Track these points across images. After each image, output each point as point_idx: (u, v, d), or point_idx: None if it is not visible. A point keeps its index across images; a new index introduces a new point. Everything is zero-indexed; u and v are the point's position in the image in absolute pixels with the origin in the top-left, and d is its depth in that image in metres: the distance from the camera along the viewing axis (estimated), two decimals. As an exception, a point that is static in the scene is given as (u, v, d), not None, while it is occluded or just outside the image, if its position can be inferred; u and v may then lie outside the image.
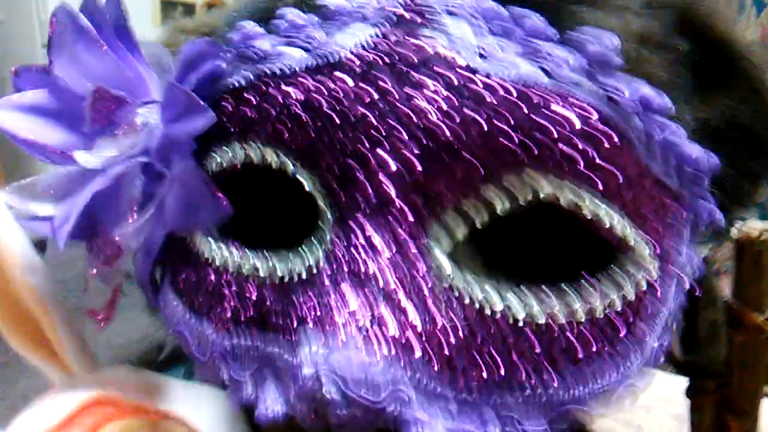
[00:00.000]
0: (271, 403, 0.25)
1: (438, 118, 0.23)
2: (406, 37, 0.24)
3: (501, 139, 0.23)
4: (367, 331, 0.23)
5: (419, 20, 0.25)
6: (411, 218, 0.24)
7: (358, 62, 0.25)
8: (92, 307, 0.32)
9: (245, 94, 0.27)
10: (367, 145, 0.24)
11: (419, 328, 0.23)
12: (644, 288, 0.26)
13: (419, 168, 0.24)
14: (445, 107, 0.23)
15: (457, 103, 0.23)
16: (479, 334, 0.24)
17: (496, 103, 0.23)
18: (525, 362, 0.24)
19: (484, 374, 0.24)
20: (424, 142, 0.24)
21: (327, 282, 0.25)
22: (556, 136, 0.23)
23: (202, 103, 0.27)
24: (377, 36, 0.25)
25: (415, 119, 0.24)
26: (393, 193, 0.24)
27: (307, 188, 0.26)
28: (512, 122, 0.23)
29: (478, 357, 0.24)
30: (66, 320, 0.33)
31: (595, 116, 0.23)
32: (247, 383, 0.26)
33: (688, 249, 0.28)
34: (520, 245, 0.26)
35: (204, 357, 0.29)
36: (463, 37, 0.24)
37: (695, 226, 0.29)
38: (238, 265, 0.28)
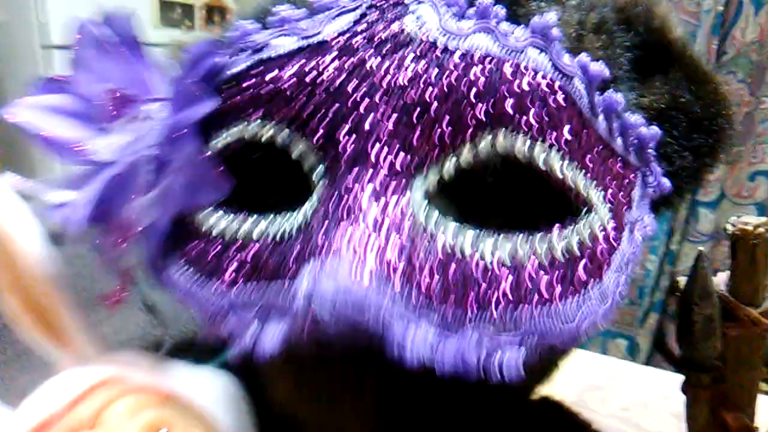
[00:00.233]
0: (270, 338, 0.27)
1: (406, 81, 0.27)
2: (380, 19, 0.29)
3: (461, 96, 0.27)
4: (350, 263, 0.25)
5: (390, 8, 0.29)
6: (388, 169, 0.27)
7: (338, 41, 0.29)
8: (101, 294, 0.34)
9: (244, 79, 0.30)
10: (349, 105, 0.28)
11: (396, 263, 0.25)
12: (599, 235, 0.28)
13: (394, 125, 0.27)
14: (411, 72, 0.27)
15: (423, 70, 0.27)
16: (450, 269, 0.26)
17: (454, 68, 0.27)
18: (496, 299, 0.26)
19: (460, 309, 0.26)
20: (398, 101, 0.27)
21: (317, 228, 0.27)
22: (506, 95, 0.27)
23: (206, 89, 0.30)
24: (355, 21, 0.29)
25: (389, 83, 0.27)
26: (371, 147, 0.27)
27: (295, 154, 0.29)
28: (470, 84, 0.27)
29: (453, 293, 0.26)
30: (77, 308, 0.34)
31: (539, 77, 0.27)
32: (249, 329, 0.28)
33: (639, 208, 0.31)
34: (490, 201, 0.29)
35: (209, 315, 0.30)
36: (426, 16, 0.28)
37: (644, 189, 0.32)
38: (237, 229, 0.30)
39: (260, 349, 0.27)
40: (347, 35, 0.29)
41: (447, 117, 0.27)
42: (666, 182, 0.33)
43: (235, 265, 0.29)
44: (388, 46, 0.28)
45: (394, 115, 0.27)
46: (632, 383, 0.66)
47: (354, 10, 0.29)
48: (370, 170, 0.27)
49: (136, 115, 0.31)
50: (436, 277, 0.26)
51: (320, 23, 0.30)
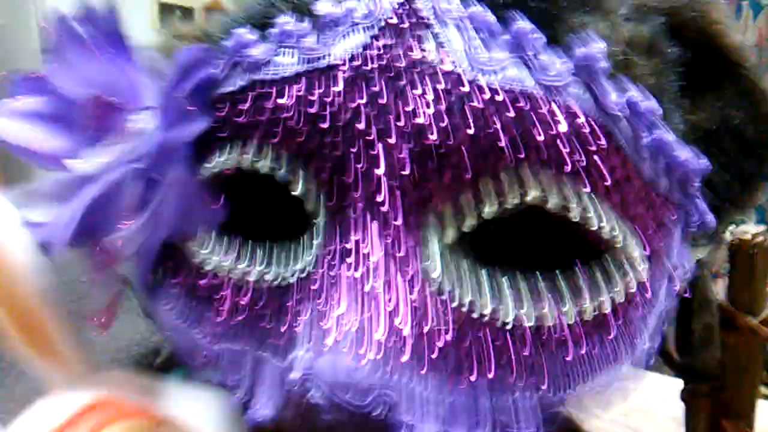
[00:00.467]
0: (261, 407, 0.25)
1: (426, 121, 0.24)
2: (395, 42, 0.25)
3: (488, 141, 0.23)
4: (354, 334, 0.23)
5: (407, 25, 0.25)
6: (401, 220, 0.25)
7: (347, 67, 0.25)
8: (92, 312, 0.33)
9: (238, 100, 0.27)
10: (356, 147, 0.25)
11: (407, 331, 0.23)
12: (634, 289, 0.26)
13: (408, 170, 0.24)
14: (433, 110, 0.24)
15: (444, 106, 0.24)
16: (468, 337, 0.24)
17: (482, 105, 0.23)
18: (514, 364, 0.24)
19: (473, 377, 0.24)
20: (413, 144, 0.24)
21: (317, 284, 0.25)
22: (542, 138, 0.23)
23: (196, 109, 0.27)
24: (367, 41, 0.25)
25: (403, 122, 0.24)
26: (382, 194, 0.24)
27: (297, 192, 0.26)
28: (499, 124, 0.23)
29: (466, 359, 0.24)
30: (68, 323, 0.33)
31: (581, 119, 0.24)
32: (239, 386, 0.27)
33: (679, 250, 0.29)
34: (511, 247, 0.26)
35: (197, 361, 0.29)
36: (450, 41, 0.24)
37: (686, 227, 0.29)
38: (230, 268, 0.28)
39: (252, 413, 0.26)
40: (358, 60, 0.25)
41: (470, 164, 0.24)
42: (711, 218, 0.29)
43: (228, 306, 0.28)
44: (406, 77, 0.24)
45: (410, 162, 0.24)
46: (632, 388, 0.66)
47: (367, 29, 0.25)
48: (380, 223, 0.25)
49: (123, 126, 0.28)
50: (451, 349, 0.24)
51: (328, 42, 0.26)
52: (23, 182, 0.31)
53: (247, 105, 0.27)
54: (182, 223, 0.29)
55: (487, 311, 0.24)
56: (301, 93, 0.25)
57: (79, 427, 0.30)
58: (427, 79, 0.24)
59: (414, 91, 0.24)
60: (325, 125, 0.25)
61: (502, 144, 0.23)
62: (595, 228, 0.25)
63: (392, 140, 0.24)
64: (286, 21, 0.27)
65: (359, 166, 0.25)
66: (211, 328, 0.28)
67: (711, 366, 0.36)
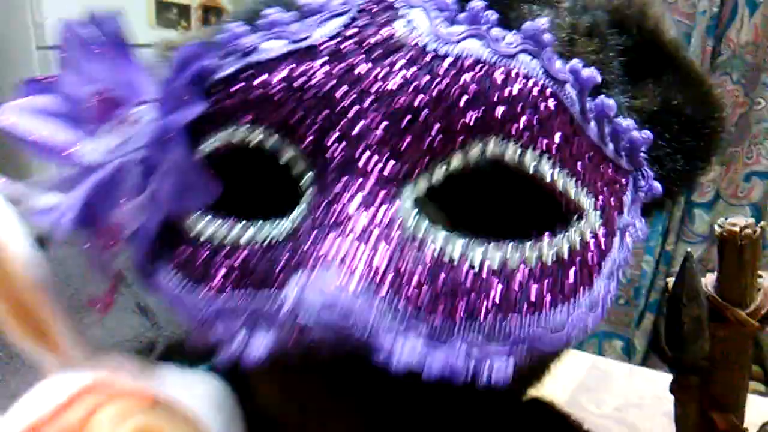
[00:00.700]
0: (258, 344, 0.27)
1: (396, 86, 0.27)
2: (370, 24, 0.28)
3: (450, 103, 0.27)
4: (337, 273, 0.24)
5: (380, 9, 0.29)
6: (377, 177, 0.27)
7: (328, 45, 0.28)
8: (90, 299, 0.34)
9: (232, 83, 0.30)
10: (338, 111, 0.27)
11: (384, 272, 0.25)
12: (588, 240, 0.29)
13: (383, 130, 0.27)
14: (403, 78, 0.27)
15: (413, 76, 0.27)
16: (440, 278, 0.26)
17: (444, 74, 0.27)
18: (484, 305, 0.26)
19: (447, 314, 0.26)
20: (388, 108, 0.27)
21: (304, 236, 0.27)
22: (497, 98, 0.27)
23: (195, 92, 0.29)
24: (344, 23, 0.29)
25: (378, 89, 0.27)
26: (360, 154, 0.27)
27: (283, 159, 0.29)
28: (461, 89, 0.27)
29: (441, 298, 0.26)
30: (65, 312, 0.33)
31: (530, 82, 0.27)
32: (237, 336, 0.28)
33: (630, 212, 0.32)
34: (481, 209, 0.29)
35: (196, 322, 0.30)
36: (417, 21, 0.28)
37: (635, 193, 0.32)
38: (225, 234, 0.30)
39: (247, 356, 0.26)
40: (337, 39, 0.28)
41: (437, 124, 0.27)
42: (657, 186, 0.33)
43: (223, 271, 0.29)
44: (378, 51, 0.28)
45: (384, 122, 0.27)
46: (626, 383, 0.67)
47: (344, 14, 0.29)
48: (359, 178, 0.27)
49: (124, 118, 0.31)
50: (425, 286, 0.26)
51: (310, 27, 0.29)
52: (19, 178, 0.32)
53: (238, 86, 0.30)
54: (180, 203, 0.30)
55: (457, 255, 0.26)
56: (285, 71, 0.28)
57: (76, 408, 0.30)
58: (397, 51, 0.27)
59: (385, 62, 0.27)
60: (309, 97, 0.28)
61: (461, 104, 0.27)
62: (548, 182, 0.28)
63: (367, 105, 0.27)
64: (273, 12, 0.30)
65: (340, 128, 0.27)
66: (209, 292, 0.29)
67: (700, 358, 0.36)
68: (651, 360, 1.49)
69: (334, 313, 0.24)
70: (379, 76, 0.27)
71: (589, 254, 0.28)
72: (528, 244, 0.27)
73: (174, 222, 0.31)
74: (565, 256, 0.27)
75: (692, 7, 1.40)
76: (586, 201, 0.29)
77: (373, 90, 0.27)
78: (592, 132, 0.29)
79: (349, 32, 0.28)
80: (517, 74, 0.27)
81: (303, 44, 0.29)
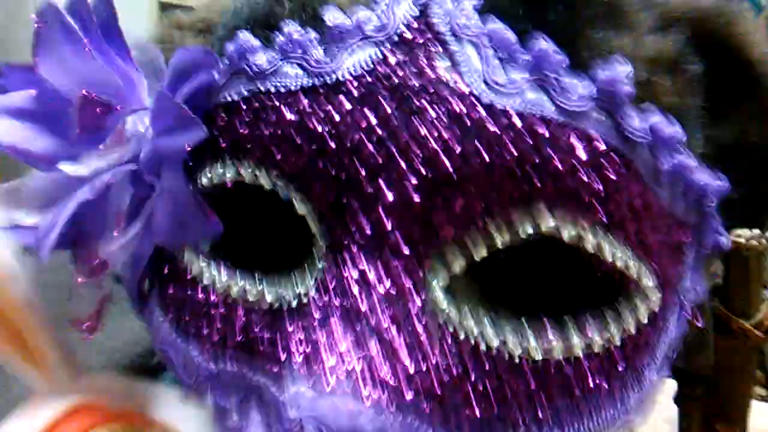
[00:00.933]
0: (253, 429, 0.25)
1: (438, 147, 0.22)
2: (407, 60, 0.23)
3: (503, 170, 0.22)
4: (356, 374, 0.22)
5: (422, 42, 0.23)
6: (407, 251, 0.23)
7: (356, 84, 0.23)
8: (78, 315, 0.32)
9: (239, 110, 0.26)
10: (363, 172, 0.23)
11: (411, 369, 0.22)
12: (645, 321, 0.25)
13: (417, 199, 0.23)
14: (446, 136, 0.22)
15: (458, 132, 0.22)
16: (473, 372, 0.23)
17: (498, 132, 0.22)
18: (520, 399, 0.23)
19: (477, 412, 0.23)
20: (423, 171, 0.22)
21: (316, 314, 0.24)
22: (560, 168, 0.22)
23: (193, 116, 0.25)
24: (378, 57, 0.24)
25: (414, 148, 0.22)
26: (389, 224, 0.23)
27: (299, 211, 0.25)
28: (515, 153, 0.22)
29: (471, 395, 0.23)
30: (50, 329, 0.32)
31: (602, 147, 0.22)
32: (232, 411, 0.26)
33: (692, 275, 0.28)
34: (520, 278, 0.25)
35: (189, 380, 0.28)
36: (467, 61, 0.23)
37: (699, 250, 0.28)
38: (226, 286, 0.27)
39: None
40: (364, 76, 0.23)
41: (483, 195, 0.22)
42: (724, 241, 0.28)
43: (220, 327, 0.27)
44: (418, 98, 0.23)
45: (416, 190, 0.23)
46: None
47: (378, 44, 0.24)
48: (385, 251, 0.23)
49: (114, 127, 0.27)
50: (449, 378, 0.23)
51: (336, 56, 0.24)
52: (16, 177, 0.30)
53: (249, 117, 0.25)
54: (174, 234, 0.27)
55: (495, 344, 0.23)
56: (303, 111, 0.24)
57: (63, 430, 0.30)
58: (440, 101, 0.22)
59: (424, 115, 0.22)
60: (329, 148, 0.24)
61: (518, 173, 0.22)
62: (609, 260, 0.23)
63: (399, 168, 0.23)
64: (292, 29, 0.25)
65: (366, 192, 0.23)
66: (204, 348, 0.27)
67: (705, 369, 0.36)
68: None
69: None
70: (418, 134, 0.22)
71: (643, 335, 0.25)
72: (570, 323, 0.24)
73: (171, 254, 0.29)
74: (617, 338, 0.24)
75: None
76: (645, 277, 0.24)
77: (406, 148, 0.22)
78: (664, 196, 0.25)
79: (382, 69, 0.23)
80: (587, 137, 0.22)
81: (328, 79, 0.24)
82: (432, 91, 0.23)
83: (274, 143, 0.25)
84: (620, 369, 0.24)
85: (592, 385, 0.23)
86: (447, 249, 0.23)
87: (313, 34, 0.25)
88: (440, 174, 0.22)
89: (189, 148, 0.26)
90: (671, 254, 0.26)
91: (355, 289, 0.23)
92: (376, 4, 0.24)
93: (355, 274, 0.23)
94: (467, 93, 0.22)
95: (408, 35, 0.24)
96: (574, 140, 0.22)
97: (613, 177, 0.23)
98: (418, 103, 0.23)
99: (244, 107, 0.25)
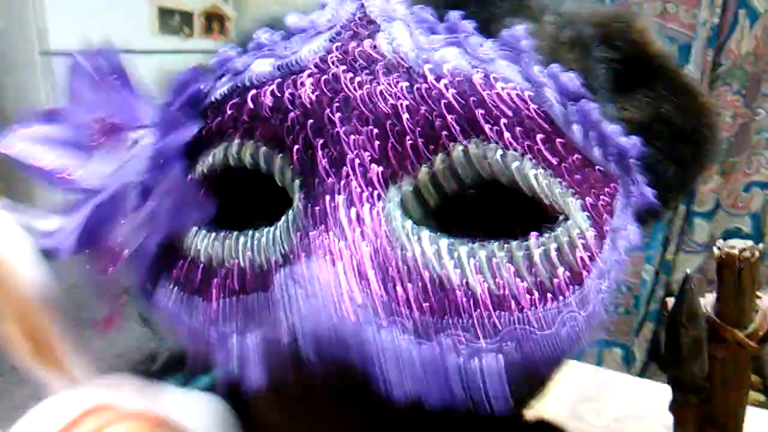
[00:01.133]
0: (252, 375, 0.27)
1: (380, 96, 0.28)
2: (355, 43, 0.29)
3: (433, 109, 0.28)
4: (332, 292, 0.25)
5: (365, 30, 0.30)
6: (363, 180, 0.28)
7: (314, 60, 0.30)
8: (94, 318, 0.33)
9: (223, 105, 0.31)
10: (327, 128, 0.28)
11: (376, 289, 0.26)
12: (576, 239, 0.29)
13: (367, 137, 0.28)
14: (385, 86, 0.28)
15: (394, 83, 0.28)
16: (431, 297, 0.26)
17: (435, 92, 0.28)
18: (472, 305, 0.26)
19: (436, 318, 0.26)
20: (371, 114, 0.28)
21: (295, 253, 0.27)
22: (477, 104, 0.28)
23: (189, 115, 0.31)
24: (331, 42, 0.30)
25: (361, 97, 0.28)
26: (346, 159, 0.28)
27: (278, 176, 0.30)
28: (440, 95, 0.28)
29: (432, 318, 0.26)
30: (68, 330, 0.33)
31: (509, 86, 0.28)
32: (233, 355, 0.28)
33: (621, 218, 0.32)
34: (468, 215, 0.29)
35: (195, 346, 0.30)
36: (399, 34, 0.29)
37: (626, 199, 0.32)
38: (220, 247, 0.30)
39: (245, 380, 0.27)
40: (321, 55, 0.30)
41: (418, 128, 0.28)
42: (649, 192, 0.33)
43: (218, 283, 0.30)
44: (361, 63, 0.29)
45: (368, 128, 0.28)
46: (626, 395, 0.67)
47: (328, 30, 0.30)
48: (345, 182, 0.28)
49: (123, 143, 0.32)
50: (411, 286, 0.26)
51: (296, 45, 0.31)
52: (24, 195, 0.32)
53: (231, 110, 0.31)
54: (177, 222, 0.31)
55: (444, 259, 0.27)
56: (276, 93, 0.29)
57: (80, 429, 0.30)
58: (384, 72, 0.28)
59: (373, 82, 0.28)
60: (299, 117, 0.29)
61: (444, 109, 0.27)
62: (533, 184, 0.28)
63: (351, 113, 0.28)
64: (261, 34, 0.32)
65: (325, 137, 0.28)
66: (206, 313, 0.30)
67: (699, 378, 0.36)
68: (651, 369, 1.49)
69: (332, 343, 0.24)
70: (362, 86, 0.28)
71: (578, 255, 0.28)
72: (514, 243, 0.27)
73: (172, 241, 0.32)
74: (553, 255, 0.28)
75: (693, 18, 1.41)
76: (571, 203, 0.29)
77: (356, 99, 0.28)
78: (576, 135, 0.30)
79: (333, 47, 0.30)
80: (495, 78, 0.28)
81: (290, 60, 0.30)
82: (373, 55, 0.29)
83: (254, 122, 0.30)
84: (558, 278, 0.28)
85: (534, 290, 0.27)
86: (402, 193, 0.28)
87: (278, 35, 0.31)
88: (383, 114, 0.28)
89: (183, 143, 0.31)
90: (595, 192, 0.31)
91: (325, 214, 0.27)
92: (324, 8, 0.32)
93: (323, 204, 0.27)
94: (398, 54, 0.29)
95: (351, 25, 0.30)
96: (485, 82, 0.28)
97: (523, 113, 0.28)
98: (366, 70, 0.29)
99: (228, 102, 0.31)
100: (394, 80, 0.28)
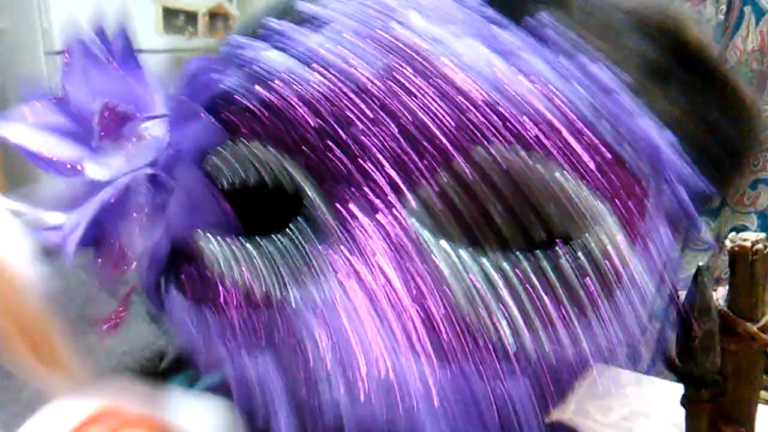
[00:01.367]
0: (260, 365, 0.27)
1: (403, 100, 0.26)
2: (372, 31, 0.27)
3: (454, 107, 0.26)
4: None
5: (383, 17, 0.27)
6: (379, 184, 0.26)
7: (327, 56, 0.27)
8: (97, 317, 0.33)
9: (234, 98, 0.29)
10: (344, 126, 0.26)
11: (399, 290, 0.25)
12: (606, 244, 0.27)
13: (383, 139, 0.26)
14: (408, 89, 0.26)
15: (418, 85, 0.26)
16: (451, 298, 0.25)
17: (444, 77, 0.26)
18: (497, 322, 0.25)
19: (460, 338, 0.25)
20: (388, 116, 0.26)
21: (306, 248, 0.26)
22: (512, 114, 0.26)
23: (205, 113, 0.29)
24: (344, 32, 0.27)
25: (387, 102, 0.26)
26: (361, 161, 0.26)
27: (291, 179, 0.28)
28: (461, 93, 0.26)
29: (451, 318, 0.25)
30: (71, 331, 0.33)
31: (534, 81, 0.26)
32: (238, 353, 0.28)
33: (653, 221, 0.30)
34: (490, 219, 0.28)
35: (207, 357, 0.30)
36: (423, 27, 0.27)
37: (658, 199, 0.30)
38: (230, 254, 0.29)
39: (262, 395, 0.26)
40: (335, 45, 0.27)
41: (440, 129, 0.26)
42: (682, 191, 0.31)
43: (225, 290, 0.29)
44: (377, 54, 0.27)
45: (385, 129, 0.26)
46: (634, 392, 0.66)
47: (341, 18, 0.28)
48: (361, 187, 0.26)
49: (132, 134, 0.30)
50: (435, 304, 0.25)
51: (308, 34, 0.28)
52: (25, 184, 0.31)
53: (239, 100, 0.29)
54: (191, 226, 0.30)
55: (469, 272, 0.26)
56: (289, 83, 0.28)
57: None
58: (404, 65, 0.26)
59: (395, 75, 0.26)
60: (306, 107, 0.27)
61: (465, 107, 0.26)
62: (573, 197, 0.26)
63: (366, 114, 0.26)
64: (274, 21, 0.29)
65: (347, 149, 0.26)
66: (215, 325, 0.29)
67: (711, 372, 0.36)
68: (657, 368, 1.48)
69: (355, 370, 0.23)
70: (378, 81, 0.26)
71: (608, 263, 0.27)
72: (540, 253, 0.26)
73: (183, 244, 0.31)
74: (582, 265, 0.26)
75: (698, 15, 1.40)
76: (600, 206, 0.27)
77: (373, 95, 0.26)
78: (606, 132, 0.28)
79: (347, 37, 0.27)
80: (520, 71, 0.26)
81: (301, 52, 0.28)
82: (397, 53, 0.26)
83: (265, 117, 0.28)
84: (589, 288, 0.26)
85: (563, 305, 0.26)
86: (425, 188, 0.26)
87: (292, 24, 0.29)
88: (402, 116, 0.26)
89: (203, 143, 0.29)
90: (625, 193, 0.28)
91: (337, 219, 0.26)
92: None
93: (335, 209, 0.26)
94: (427, 53, 0.26)
95: (366, 10, 0.28)
96: (507, 76, 0.26)
97: (549, 109, 0.26)
98: (386, 65, 0.26)
99: (239, 94, 0.29)
100: (412, 74, 0.26)
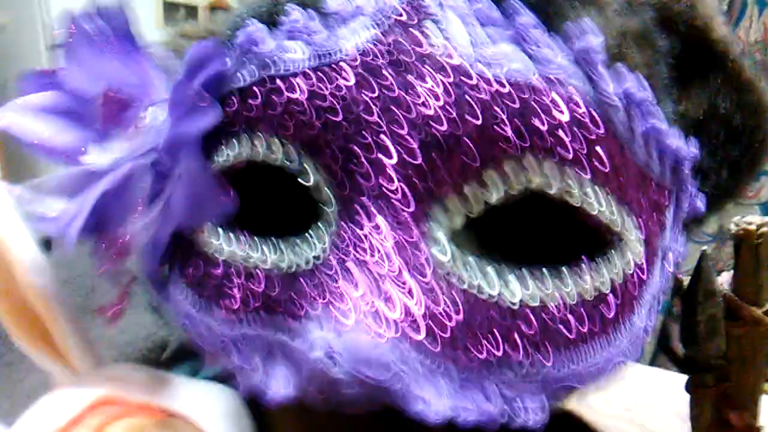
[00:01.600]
0: (281, 386, 0.26)
1: (434, 112, 0.25)
2: (404, 34, 0.26)
3: (494, 131, 0.25)
4: (374, 314, 0.23)
5: (415, 19, 0.26)
6: (413, 204, 0.25)
7: (358, 61, 0.26)
8: (101, 305, 0.33)
9: (251, 92, 0.28)
10: (369, 135, 0.25)
11: (422, 311, 0.24)
12: (631, 270, 0.27)
13: (419, 156, 0.25)
14: (441, 101, 0.25)
15: (452, 98, 0.25)
16: (478, 316, 0.25)
17: (488, 97, 0.25)
18: (521, 342, 0.25)
19: (484, 354, 0.25)
20: (424, 132, 0.25)
21: (334, 268, 0.26)
22: (545, 127, 0.25)
23: (209, 99, 0.28)
24: (376, 34, 0.26)
25: (414, 111, 0.25)
26: (395, 179, 0.25)
27: (309, 183, 0.27)
28: (505, 114, 0.25)
29: (477, 337, 0.25)
30: (71, 319, 0.33)
31: (581, 108, 0.25)
32: (256, 369, 0.27)
33: (671, 233, 0.30)
34: (516, 232, 0.27)
35: (212, 347, 0.29)
36: (457, 35, 0.26)
37: (677, 212, 0.30)
38: (244, 256, 0.29)
39: (271, 396, 0.26)
40: (365, 51, 0.26)
41: (477, 153, 0.25)
42: (700, 204, 0.31)
43: (241, 295, 0.28)
44: (415, 70, 0.25)
45: (416, 148, 0.25)
46: (637, 383, 0.66)
47: (376, 25, 0.26)
48: (391, 208, 0.25)
49: (134, 120, 0.29)
50: (457, 322, 0.25)
51: (338, 38, 0.27)
52: (26, 175, 0.31)
53: (258, 100, 0.28)
54: (193, 215, 0.29)
55: (495, 292, 0.25)
56: (312, 88, 0.26)
57: (83, 426, 0.30)
58: (434, 72, 0.25)
59: (422, 84, 0.25)
60: (337, 118, 0.26)
61: (507, 134, 0.25)
62: (594, 212, 0.26)
63: (402, 131, 0.25)
64: (295, 17, 0.28)
65: (371, 156, 0.26)
66: (225, 315, 0.28)
67: (716, 357, 0.36)
68: (659, 360, 1.48)
69: (370, 366, 0.23)
70: (413, 97, 0.25)
71: (629, 283, 0.27)
72: (566, 272, 0.26)
73: (187, 234, 0.30)
74: (606, 282, 0.26)
75: (701, 6, 1.40)
76: (628, 226, 0.27)
77: (404, 112, 0.25)
78: (638, 154, 0.27)
79: (381, 47, 0.26)
80: (568, 100, 0.25)
81: (331, 59, 0.26)
82: (427, 63, 0.25)
83: (283, 121, 0.27)
84: (610, 315, 0.26)
85: (585, 329, 0.26)
86: (446, 206, 0.26)
87: (315, 21, 0.27)
88: (438, 134, 0.25)
89: (202, 133, 0.28)
90: (651, 212, 0.28)
91: (368, 240, 0.25)
92: None
93: (365, 231, 0.25)
94: (459, 64, 0.25)
95: (403, 15, 0.26)
96: (555, 102, 0.25)
97: (592, 136, 0.25)
98: (414, 74, 0.25)
99: (256, 89, 0.28)
100: (444, 80, 0.25)
